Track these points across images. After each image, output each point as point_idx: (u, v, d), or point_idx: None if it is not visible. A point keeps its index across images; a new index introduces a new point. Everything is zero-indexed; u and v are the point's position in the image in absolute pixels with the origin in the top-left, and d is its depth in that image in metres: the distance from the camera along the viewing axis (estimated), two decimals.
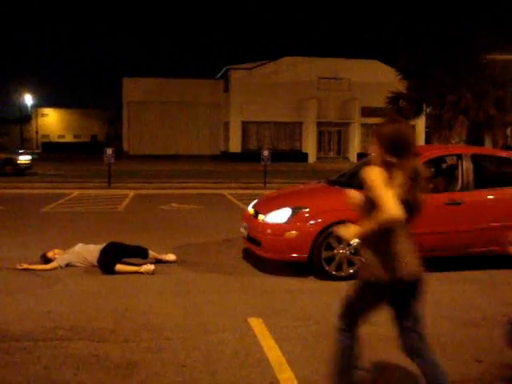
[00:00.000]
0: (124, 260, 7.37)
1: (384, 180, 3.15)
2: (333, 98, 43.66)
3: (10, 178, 22.38)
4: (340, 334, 3.47)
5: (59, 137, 75.03)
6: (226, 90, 45.45)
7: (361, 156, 41.86)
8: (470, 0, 22.81)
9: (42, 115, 76.58)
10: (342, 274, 7.06)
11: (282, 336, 4.99)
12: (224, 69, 46.35)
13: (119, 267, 7.13)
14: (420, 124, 40.08)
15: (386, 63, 42.91)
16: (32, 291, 6.33)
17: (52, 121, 77.25)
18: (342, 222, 7.10)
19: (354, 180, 8.56)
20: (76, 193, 17.89)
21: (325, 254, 7.00)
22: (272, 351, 4.62)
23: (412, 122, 30.18)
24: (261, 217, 7.43)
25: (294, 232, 6.99)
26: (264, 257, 7.31)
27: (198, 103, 47.77)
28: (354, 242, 7.02)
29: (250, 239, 7.62)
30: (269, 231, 7.17)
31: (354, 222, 6.88)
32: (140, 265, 7.29)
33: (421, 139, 44.68)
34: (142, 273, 7.16)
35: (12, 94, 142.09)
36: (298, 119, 44.01)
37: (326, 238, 6.97)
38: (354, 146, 44.36)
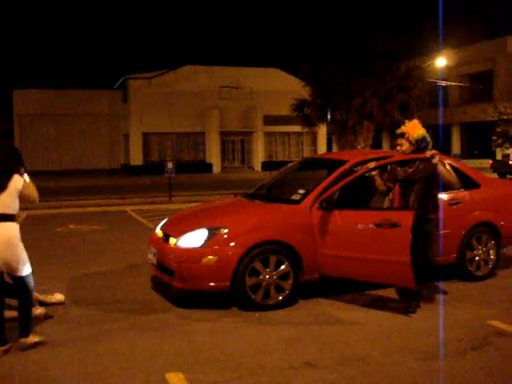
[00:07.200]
0: None
1: None
2: (235, 107, 42.85)
3: None
4: None
5: None
6: (125, 100, 43.41)
7: (266, 165, 41.52)
8: (371, 5, 22.73)
9: None
10: (271, 302, 6.13)
11: None
12: (122, 78, 44.28)
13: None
14: (322, 130, 40.25)
15: (287, 71, 42.93)
16: None
17: None
18: (270, 242, 6.24)
19: (274, 192, 7.70)
20: None
21: (250, 281, 6.03)
22: None
23: (316, 129, 30.15)
24: (172, 240, 6.32)
25: (212, 257, 5.95)
26: (179, 288, 6.20)
27: (95, 115, 45.43)
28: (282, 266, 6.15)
29: (161, 267, 6.48)
30: (183, 258, 6.06)
31: (282, 241, 5.97)
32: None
33: (322, 145, 45.05)
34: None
35: None
36: (201, 129, 42.81)
37: (250, 262, 6.01)
38: (258, 155, 43.84)
